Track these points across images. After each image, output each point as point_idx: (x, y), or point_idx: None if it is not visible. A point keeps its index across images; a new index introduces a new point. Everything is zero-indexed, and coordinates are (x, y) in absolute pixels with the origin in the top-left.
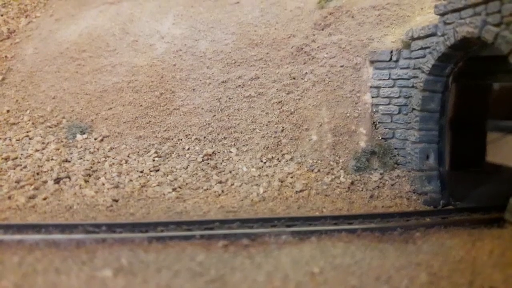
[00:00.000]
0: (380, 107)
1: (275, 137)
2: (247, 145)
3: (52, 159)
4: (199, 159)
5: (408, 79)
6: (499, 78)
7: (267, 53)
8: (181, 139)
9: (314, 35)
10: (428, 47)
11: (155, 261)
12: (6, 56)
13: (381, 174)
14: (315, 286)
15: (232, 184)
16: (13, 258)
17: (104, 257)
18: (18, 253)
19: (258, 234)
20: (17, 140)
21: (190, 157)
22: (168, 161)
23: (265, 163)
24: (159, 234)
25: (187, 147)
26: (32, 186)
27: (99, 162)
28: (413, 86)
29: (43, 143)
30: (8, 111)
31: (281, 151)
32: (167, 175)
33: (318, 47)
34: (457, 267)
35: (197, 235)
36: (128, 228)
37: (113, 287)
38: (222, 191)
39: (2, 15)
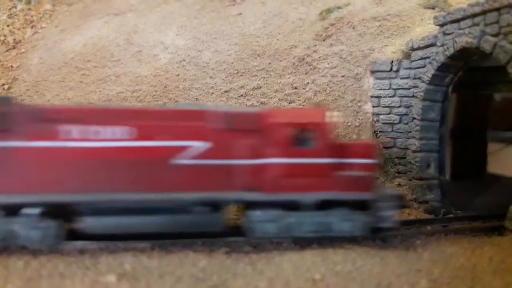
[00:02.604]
0: (381, 116)
1: None
2: None
3: None
4: None
5: (409, 88)
6: (499, 89)
7: (269, 63)
8: None
9: (315, 45)
10: (428, 57)
11: (158, 267)
12: (11, 66)
13: (382, 182)
14: None
15: None
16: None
17: (108, 262)
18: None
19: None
20: None
21: None
22: None
23: None
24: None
25: None
26: None
27: None
28: (413, 96)
29: None
30: None
31: None
32: None
33: (319, 57)
34: (457, 273)
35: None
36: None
37: None
38: None
39: (8, 26)
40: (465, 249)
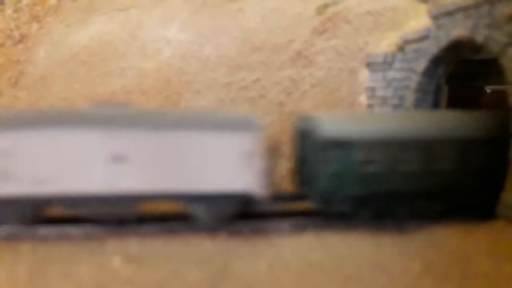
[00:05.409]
0: (375, 107)
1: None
2: None
3: None
4: None
5: (402, 80)
6: (490, 81)
7: (268, 57)
8: None
9: (312, 39)
10: (421, 50)
11: (162, 250)
12: (18, 60)
13: None
14: (314, 273)
15: None
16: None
17: (114, 246)
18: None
19: None
20: None
21: None
22: None
23: None
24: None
25: None
26: None
27: None
28: (406, 87)
29: None
30: None
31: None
32: None
33: (316, 51)
34: (451, 256)
35: None
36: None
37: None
38: None
39: (14, 20)
40: (458, 233)
